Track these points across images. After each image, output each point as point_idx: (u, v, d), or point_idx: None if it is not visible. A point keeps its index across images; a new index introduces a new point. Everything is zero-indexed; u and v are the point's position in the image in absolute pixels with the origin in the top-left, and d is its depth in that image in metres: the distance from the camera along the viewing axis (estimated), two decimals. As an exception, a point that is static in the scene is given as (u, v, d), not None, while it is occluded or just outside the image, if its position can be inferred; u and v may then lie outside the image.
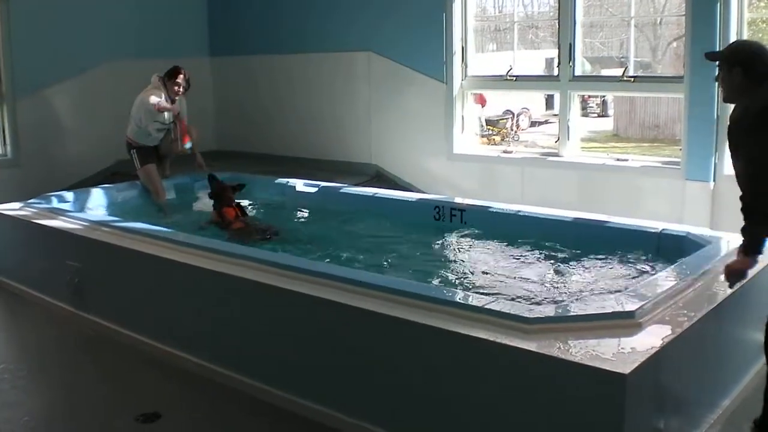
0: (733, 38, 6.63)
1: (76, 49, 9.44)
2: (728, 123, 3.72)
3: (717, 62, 3.92)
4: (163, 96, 7.61)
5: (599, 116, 22.36)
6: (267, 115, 10.50)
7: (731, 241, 4.71)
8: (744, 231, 3.70)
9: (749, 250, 3.72)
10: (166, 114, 7.63)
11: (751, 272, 3.90)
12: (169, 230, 5.92)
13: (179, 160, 8.35)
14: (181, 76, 7.71)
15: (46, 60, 9.16)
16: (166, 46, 9.87)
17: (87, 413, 4.54)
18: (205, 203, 7.62)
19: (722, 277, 3.95)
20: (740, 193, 3.66)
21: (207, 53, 10.97)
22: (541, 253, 5.75)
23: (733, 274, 3.83)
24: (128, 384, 4.92)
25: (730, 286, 3.91)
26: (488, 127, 16.97)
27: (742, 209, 3.66)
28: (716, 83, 4.00)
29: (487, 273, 5.49)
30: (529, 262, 5.64)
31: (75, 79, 9.52)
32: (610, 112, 21.77)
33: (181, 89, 7.73)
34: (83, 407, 4.62)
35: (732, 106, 3.80)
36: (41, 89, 9.25)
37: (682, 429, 3.80)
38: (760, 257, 3.77)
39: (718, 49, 3.83)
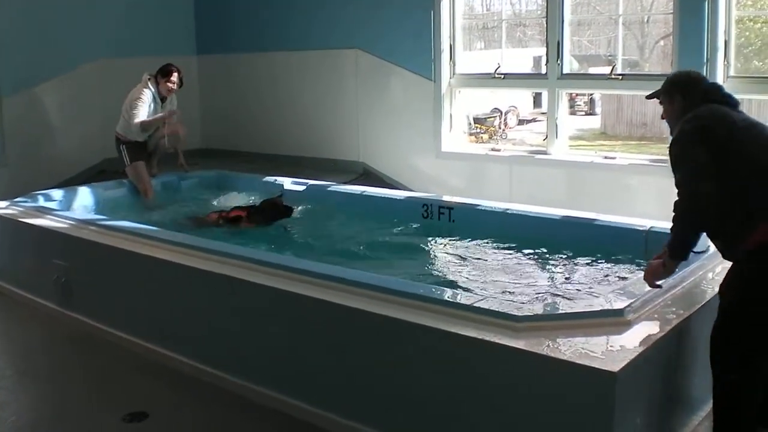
0: (721, 36, 6.66)
1: (63, 47, 9.40)
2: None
3: (658, 99, 3.99)
4: (149, 95, 7.61)
5: (587, 114, 22.41)
6: (254, 114, 10.47)
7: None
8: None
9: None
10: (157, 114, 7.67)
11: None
12: (156, 229, 5.89)
13: (167, 159, 8.32)
14: (175, 75, 7.72)
15: (32, 58, 9.12)
16: (154, 44, 9.84)
17: (74, 413, 4.52)
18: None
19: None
20: None
21: (194, 51, 10.92)
22: (529, 251, 5.75)
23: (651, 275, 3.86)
24: (115, 383, 4.89)
25: (651, 286, 3.89)
26: (476, 125, 16.98)
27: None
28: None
29: (475, 271, 5.49)
30: (518, 260, 5.64)
31: (62, 77, 9.48)
32: (598, 110, 21.82)
33: (174, 87, 7.73)
34: (70, 407, 4.60)
35: None
36: (28, 87, 9.21)
37: (672, 426, 3.81)
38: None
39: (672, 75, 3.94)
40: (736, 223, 3.51)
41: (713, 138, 3.56)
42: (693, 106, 3.75)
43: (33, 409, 4.69)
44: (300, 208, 6.85)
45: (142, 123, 7.61)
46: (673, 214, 3.68)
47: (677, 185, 3.63)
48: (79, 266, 5.82)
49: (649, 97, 4.12)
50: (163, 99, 7.79)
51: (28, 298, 6.32)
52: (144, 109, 7.62)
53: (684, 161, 3.61)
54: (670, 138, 3.80)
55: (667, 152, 3.73)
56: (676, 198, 3.64)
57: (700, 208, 3.57)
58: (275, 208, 6.84)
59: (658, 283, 3.85)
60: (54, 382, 4.99)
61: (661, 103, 3.99)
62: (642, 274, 3.99)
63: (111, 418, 4.34)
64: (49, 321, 5.98)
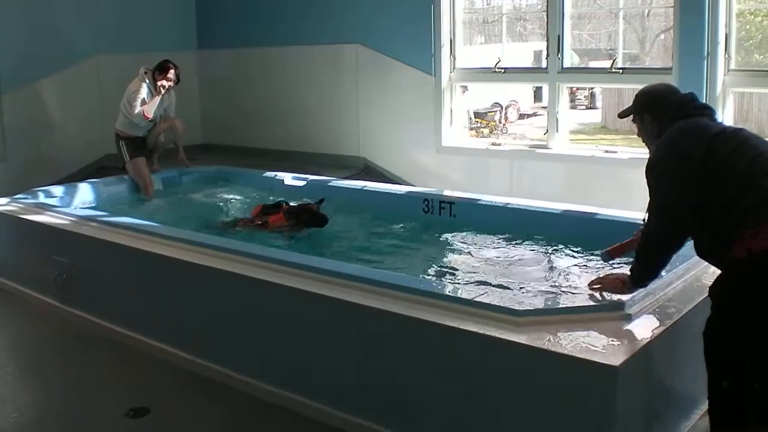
0: (721, 30, 6.64)
1: (63, 43, 9.39)
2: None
3: (630, 117, 3.89)
4: (146, 89, 7.62)
5: (587, 108, 22.41)
6: (254, 108, 10.46)
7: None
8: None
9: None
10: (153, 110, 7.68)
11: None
12: (156, 225, 5.88)
13: (167, 154, 8.33)
14: (172, 71, 7.73)
15: (31, 55, 9.10)
16: (153, 39, 9.81)
17: (76, 409, 4.52)
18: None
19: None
20: None
21: (194, 46, 10.91)
22: (530, 246, 5.75)
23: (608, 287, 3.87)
24: (117, 379, 4.89)
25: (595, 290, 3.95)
26: (477, 119, 16.98)
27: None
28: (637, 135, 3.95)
29: (476, 265, 5.49)
30: (519, 255, 5.64)
31: (61, 74, 9.45)
32: (599, 104, 21.81)
33: (170, 84, 7.74)
34: (72, 403, 4.61)
35: None
36: (27, 84, 9.18)
37: (673, 420, 3.81)
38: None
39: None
40: (728, 234, 3.37)
41: (690, 160, 3.45)
42: (665, 126, 3.64)
43: (35, 405, 4.69)
44: (333, 220, 6.41)
45: (144, 110, 7.61)
46: (642, 241, 3.66)
47: (648, 214, 3.62)
48: (79, 262, 5.82)
49: (620, 115, 4.02)
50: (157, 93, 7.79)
51: (28, 294, 6.32)
52: (145, 90, 7.68)
53: (656, 194, 3.57)
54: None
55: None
56: (645, 229, 3.63)
57: (665, 248, 3.58)
58: (310, 215, 6.43)
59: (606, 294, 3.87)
60: (55, 378, 5.00)
61: (633, 121, 3.90)
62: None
63: (113, 414, 4.34)
64: (49, 317, 5.98)
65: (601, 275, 4.14)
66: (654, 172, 3.60)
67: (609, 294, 3.87)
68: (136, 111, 7.62)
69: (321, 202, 6.53)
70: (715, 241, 3.48)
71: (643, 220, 3.73)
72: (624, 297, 3.74)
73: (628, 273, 3.75)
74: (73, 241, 5.85)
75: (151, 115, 7.72)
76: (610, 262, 4.49)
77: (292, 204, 6.74)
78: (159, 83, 7.67)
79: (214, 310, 4.82)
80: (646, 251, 3.65)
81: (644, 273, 3.70)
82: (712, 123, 3.68)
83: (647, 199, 3.67)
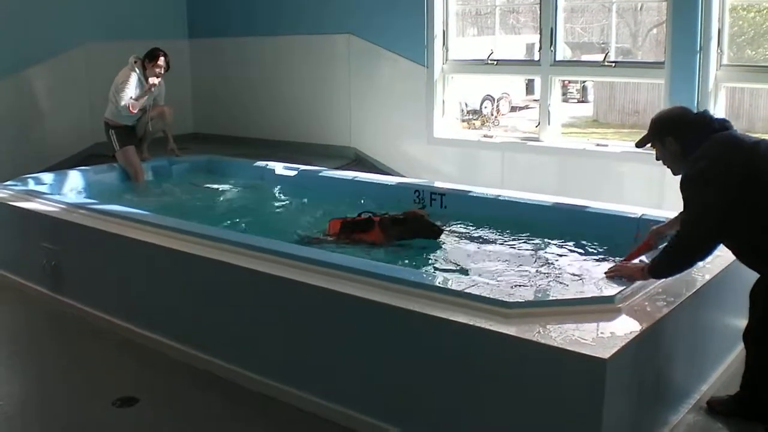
0: (714, 25, 6.66)
1: (53, 30, 9.33)
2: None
3: (650, 144, 3.96)
4: (135, 78, 7.58)
5: (579, 102, 22.40)
6: (246, 98, 10.42)
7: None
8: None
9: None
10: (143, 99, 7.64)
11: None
12: (146, 213, 5.86)
13: (157, 143, 8.30)
14: (162, 59, 7.69)
15: (21, 42, 9.04)
16: (144, 27, 9.76)
17: (64, 397, 4.50)
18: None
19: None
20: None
21: (185, 35, 10.86)
22: (520, 238, 5.75)
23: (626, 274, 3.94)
24: (105, 368, 4.88)
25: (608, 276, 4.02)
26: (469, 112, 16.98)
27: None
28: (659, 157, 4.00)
29: (466, 257, 5.48)
30: (509, 247, 5.64)
31: (51, 61, 9.41)
32: (590, 98, 21.81)
33: (161, 71, 7.70)
34: (60, 391, 4.59)
35: None
36: (17, 71, 9.14)
37: (661, 414, 3.82)
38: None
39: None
40: None
41: (732, 169, 3.58)
42: (693, 143, 3.72)
43: (22, 393, 4.68)
44: (446, 230, 5.84)
45: (130, 105, 7.58)
46: (676, 241, 3.72)
47: (683, 223, 3.72)
48: (68, 250, 5.79)
49: (638, 145, 4.08)
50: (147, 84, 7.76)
51: (17, 281, 6.30)
52: (130, 92, 7.61)
53: (695, 203, 3.65)
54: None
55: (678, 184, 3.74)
56: (681, 230, 3.73)
57: (699, 251, 3.68)
58: (420, 224, 5.61)
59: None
60: (44, 367, 4.98)
61: (652, 146, 3.96)
62: (631, 263, 4.04)
63: (101, 403, 4.32)
64: (38, 305, 5.96)
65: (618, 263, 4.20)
66: (695, 182, 3.65)
67: (602, 286, 3.89)
68: (122, 103, 7.57)
69: (423, 209, 5.79)
70: (761, 240, 3.61)
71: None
72: (613, 291, 3.74)
73: (649, 263, 3.82)
74: (62, 228, 5.83)
75: (136, 111, 7.69)
76: None
77: (386, 213, 5.85)
78: (151, 71, 7.63)
79: (204, 300, 4.81)
80: (679, 252, 3.72)
81: (669, 271, 3.82)
82: (744, 135, 3.83)
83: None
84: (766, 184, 3.55)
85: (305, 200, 7.12)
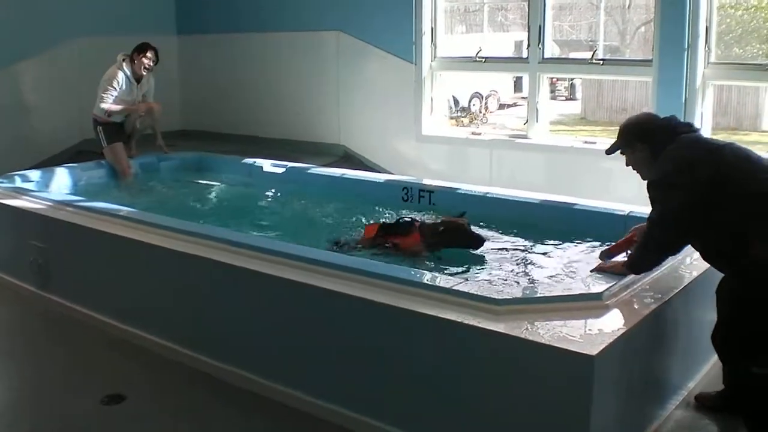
0: (702, 23, 6.68)
1: (42, 25, 9.29)
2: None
3: (620, 151, 4.04)
4: (122, 77, 7.57)
5: (567, 99, 22.44)
6: (234, 95, 10.40)
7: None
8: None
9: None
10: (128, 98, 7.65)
11: None
12: (133, 210, 5.84)
13: (145, 140, 8.27)
14: (150, 52, 7.67)
15: (9, 37, 9.00)
16: (133, 23, 9.72)
17: (51, 395, 4.50)
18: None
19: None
20: None
21: (174, 31, 10.81)
22: (509, 235, 5.75)
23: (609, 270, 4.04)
24: (93, 366, 4.87)
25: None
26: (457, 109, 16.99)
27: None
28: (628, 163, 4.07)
29: (455, 254, 5.48)
30: (498, 244, 5.64)
31: (39, 57, 9.38)
32: (578, 95, 21.85)
33: (150, 63, 7.69)
34: (48, 389, 4.58)
35: None
36: (4, 67, 9.10)
37: (649, 409, 3.83)
38: None
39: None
40: (737, 239, 3.55)
41: (697, 168, 3.61)
42: (661, 148, 3.79)
43: (9, 390, 4.67)
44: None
45: (110, 108, 7.59)
46: (643, 241, 3.82)
47: (649, 224, 3.77)
48: (56, 248, 5.77)
49: (608, 152, 4.14)
50: (138, 79, 7.74)
51: (5, 279, 6.27)
52: (115, 93, 7.63)
53: (660, 204, 3.71)
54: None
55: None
56: (648, 231, 3.79)
57: (664, 251, 3.79)
58: (461, 234, 5.36)
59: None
60: (31, 365, 4.97)
61: (622, 153, 4.03)
62: (618, 260, 4.07)
63: (88, 401, 4.32)
64: (25, 302, 5.93)
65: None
66: (662, 183, 3.71)
67: (590, 282, 3.93)
68: (102, 105, 7.58)
69: (463, 215, 5.48)
70: (725, 242, 3.61)
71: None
72: (601, 288, 3.76)
73: (627, 258, 3.96)
74: (50, 226, 5.80)
75: (112, 117, 7.69)
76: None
77: (424, 220, 5.73)
78: (140, 63, 7.61)
79: (192, 297, 4.80)
80: (647, 251, 3.81)
81: (641, 267, 3.90)
82: (710, 138, 3.96)
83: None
84: (731, 186, 3.56)
85: (294, 198, 7.11)
